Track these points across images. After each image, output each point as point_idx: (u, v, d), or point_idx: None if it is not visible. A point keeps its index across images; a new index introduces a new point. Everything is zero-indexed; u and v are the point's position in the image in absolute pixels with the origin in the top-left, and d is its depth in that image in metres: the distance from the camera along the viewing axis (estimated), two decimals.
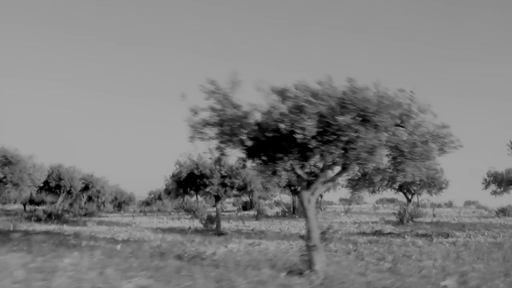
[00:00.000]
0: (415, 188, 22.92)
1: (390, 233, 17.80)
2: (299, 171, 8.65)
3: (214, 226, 19.60)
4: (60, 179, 26.35)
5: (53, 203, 42.70)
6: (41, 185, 20.86)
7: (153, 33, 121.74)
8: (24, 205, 50.36)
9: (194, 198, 42.38)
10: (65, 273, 8.25)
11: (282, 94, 7.18)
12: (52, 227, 21.96)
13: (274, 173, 9.13)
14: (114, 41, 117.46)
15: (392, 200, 48.88)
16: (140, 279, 7.67)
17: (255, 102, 8.25)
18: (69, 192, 27.95)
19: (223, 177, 17.98)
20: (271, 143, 8.18)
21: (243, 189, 18.76)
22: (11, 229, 19.31)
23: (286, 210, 29.43)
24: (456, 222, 23.73)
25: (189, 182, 19.00)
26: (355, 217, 28.94)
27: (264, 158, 8.90)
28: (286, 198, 51.10)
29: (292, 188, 29.14)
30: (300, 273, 8.59)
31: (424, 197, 31.00)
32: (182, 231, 20.13)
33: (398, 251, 12.98)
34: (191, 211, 29.84)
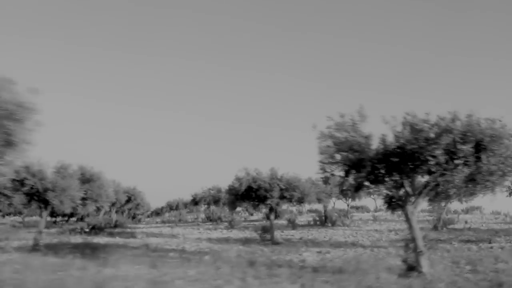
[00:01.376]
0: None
1: (437, 240, 19.27)
2: (408, 188, 10.15)
3: (268, 236, 20.93)
4: None
5: (73, 214, 43.67)
6: (114, 200, 22.05)
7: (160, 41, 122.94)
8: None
9: (212, 208, 43.83)
10: (215, 281, 9.58)
11: (412, 127, 8.68)
12: (107, 239, 23.07)
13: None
14: (111, 44, 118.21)
15: None
16: (287, 285, 9.02)
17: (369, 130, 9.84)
18: (113, 205, 29.12)
19: (281, 190, 19.38)
20: (388, 165, 9.68)
21: (300, 200, 20.18)
22: (78, 242, 20.50)
23: (318, 219, 30.89)
24: (486, 228, 25.33)
25: (246, 195, 20.34)
26: (386, 224, 30.43)
27: (372, 176, 10.40)
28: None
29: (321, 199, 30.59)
30: (410, 276, 10.04)
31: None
32: (236, 240, 21.46)
33: (461, 255, 14.45)
34: (228, 221, 31.14)
